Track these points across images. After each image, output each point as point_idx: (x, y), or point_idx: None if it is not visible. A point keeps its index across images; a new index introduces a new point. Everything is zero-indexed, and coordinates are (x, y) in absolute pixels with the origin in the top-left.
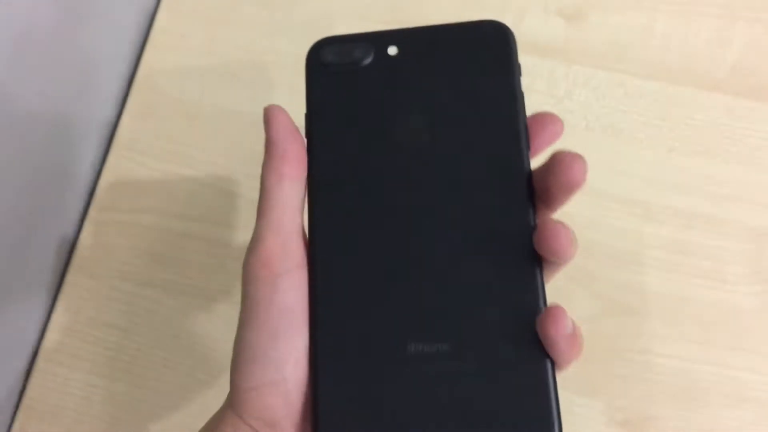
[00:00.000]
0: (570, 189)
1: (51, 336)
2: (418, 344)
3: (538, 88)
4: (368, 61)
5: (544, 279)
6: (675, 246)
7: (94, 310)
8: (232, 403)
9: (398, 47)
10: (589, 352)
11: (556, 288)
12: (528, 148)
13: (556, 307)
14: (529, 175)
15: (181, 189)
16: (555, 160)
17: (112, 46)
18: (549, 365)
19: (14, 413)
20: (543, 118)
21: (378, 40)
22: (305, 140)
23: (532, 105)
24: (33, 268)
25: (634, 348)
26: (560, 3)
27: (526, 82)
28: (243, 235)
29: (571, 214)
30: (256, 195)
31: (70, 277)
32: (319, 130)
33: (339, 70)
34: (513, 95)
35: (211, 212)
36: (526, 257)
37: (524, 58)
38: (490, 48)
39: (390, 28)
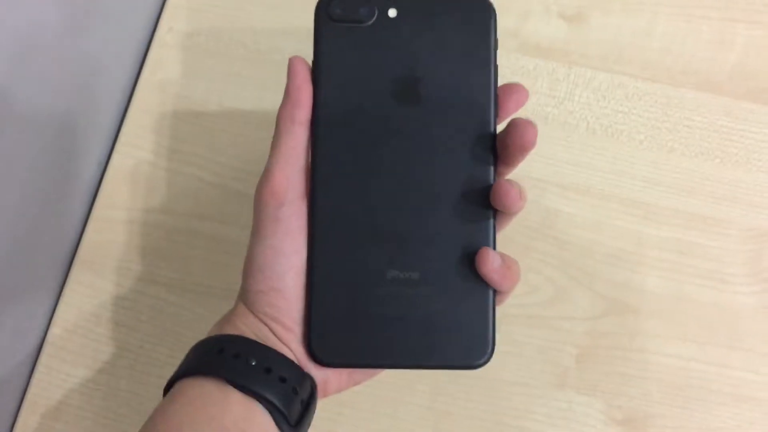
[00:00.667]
0: (523, 150)
1: (54, 332)
2: (393, 271)
3: (539, 89)
4: (369, 20)
5: (498, 225)
6: (675, 246)
7: (98, 307)
8: (244, 301)
9: (397, 10)
10: (589, 350)
11: (560, 287)
12: (496, 113)
13: (484, 249)
14: (494, 137)
15: (186, 187)
16: (512, 125)
17: (118, 45)
18: (490, 292)
19: (18, 409)
20: (510, 87)
21: (380, 1)
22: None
23: (532, 105)
24: (37, 265)
25: (633, 347)
26: (562, 5)
27: (528, 83)
28: (247, 234)
29: (570, 214)
30: None
31: (74, 275)
32: (323, 79)
33: (343, 25)
34: (488, 65)
35: (215, 210)
36: (483, 207)
37: (526, 60)
38: (474, 20)
39: None
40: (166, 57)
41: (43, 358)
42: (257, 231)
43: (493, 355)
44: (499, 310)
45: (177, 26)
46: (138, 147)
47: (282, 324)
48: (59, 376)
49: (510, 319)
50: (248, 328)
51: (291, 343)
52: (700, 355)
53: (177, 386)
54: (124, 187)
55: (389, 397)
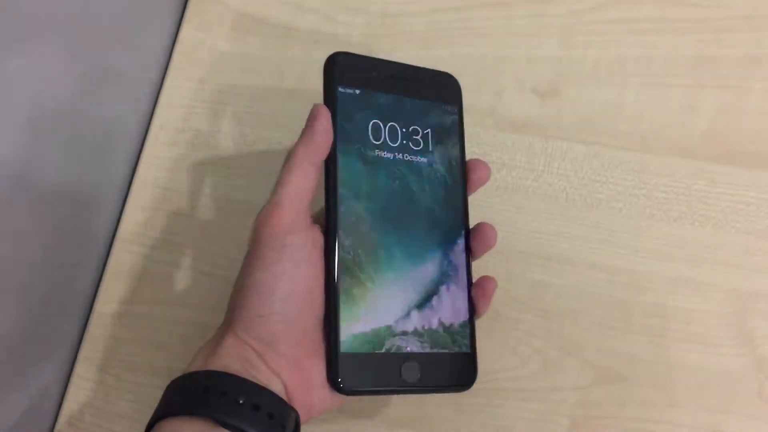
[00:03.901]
0: (488, 248)
1: (60, 428)
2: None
3: (518, 164)
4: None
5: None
6: (660, 312)
7: (102, 400)
8: (234, 328)
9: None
10: (581, 421)
11: (549, 358)
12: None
13: (487, 278)
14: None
15: (182, 279)
16: (476, 229)
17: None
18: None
19: None
20: (474, 164)
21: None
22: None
23: (512, 179)
24: (42, 362)
25: (625, 415)
26: (534, 81)
27: (508, 158)
28: None
29: (556, 285)
30: None
31: (78, 371)
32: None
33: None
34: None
35: (210, 299)
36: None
37: (503, 136)
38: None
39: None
40: (158, 153)
41: None
42: (260, 257)
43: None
44: (491, 384)
45: (168, 123)
46: (134, 242)
47: (276, 350)
48: None
49: (502, 393)
50: (236, 357)
51: (282, 369)
52: (691, 421)
53: (159, 427)
54: (121, 283)
55: None
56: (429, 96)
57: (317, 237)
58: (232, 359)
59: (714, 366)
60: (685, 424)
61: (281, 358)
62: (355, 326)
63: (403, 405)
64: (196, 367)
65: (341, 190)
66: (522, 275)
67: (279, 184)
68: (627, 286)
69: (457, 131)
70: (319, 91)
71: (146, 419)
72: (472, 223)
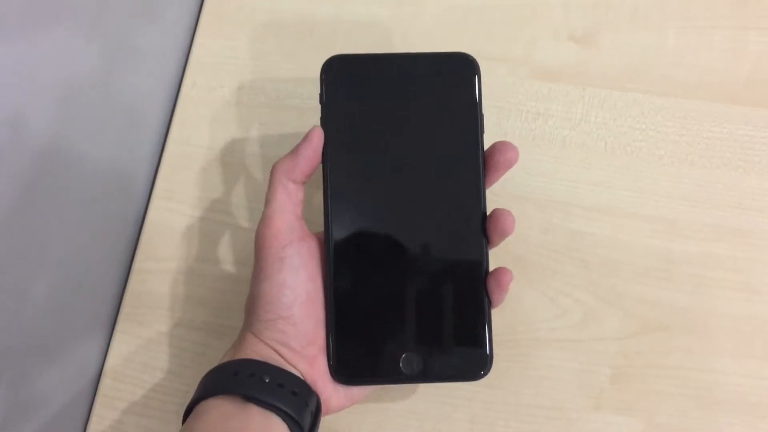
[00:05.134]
0: (504, 236)
1: (106, 383)
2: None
3: (555, 113)
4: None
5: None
6: (703, 260)
7: (145, 355)
8: (252, 330)
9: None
10: (623, 370)
11: (590, 309)
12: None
13: (503, 269)
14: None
15: (218, 234)
16: (492, 216)
17: (150, 98)
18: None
19: None
20: (500, 145)
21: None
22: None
23: (549, 129)
24: (85, 317)
25: (667, 364)
26: (570, 27)
27: (543, 107)
28: None
29: (595, 235)
30: None
31: (120, 326)
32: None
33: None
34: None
35: (245, 254)
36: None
37: (538, 84)
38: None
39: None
40: (191, 112)
41: (96, 407)
42: (262, 269)
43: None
44: (530, 334)
45: (200, 81)
46: (171, 200)
47: (290, 347)
48: (112, 425)
49: (542, 344)
50: (257, 353)
51: (298, 364)
52: (737, 369)
53: (197, 408)
54: (158, 240)
55: (427, 426)
56: (438, 82)
57: (313, 245)
58: (255, 354)
59: (757, 313)
60: (731, 372)
61: (296, 354)
62: (353, 319)
63: None
64: (225, 360)
65: (335, 192)
66: (561, 225)
67: (266, 201)
68: (668, 234)
69: (472, 114)
70: (346, 46)
71: (189, 373)
72: (502, 203)
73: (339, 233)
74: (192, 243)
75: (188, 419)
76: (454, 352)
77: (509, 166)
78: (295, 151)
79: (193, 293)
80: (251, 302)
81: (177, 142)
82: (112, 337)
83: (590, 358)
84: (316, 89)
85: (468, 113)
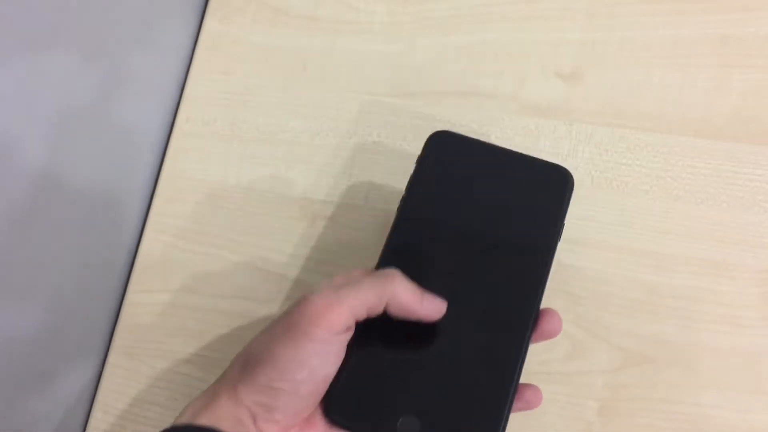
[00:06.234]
0: (550, 337)
1: (96, 415)
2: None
3: (543, 148)
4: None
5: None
6: (688, 293)
7: (136, 389)
8: (235, 386)
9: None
10: (610, 403)
11: (578, 342)
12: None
13: (552, 311)
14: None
15: (210, 267)
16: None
17: (145, 126)
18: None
19: None
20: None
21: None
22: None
23: None
24: (77, 351)
25: (654, 397)
26: (557, 64)
27: (531, 142)
28: (269, 308)
29: (583, 268)
30: (280, 269)
31: (111, 358)
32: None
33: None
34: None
35: (238, 288)
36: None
37: (526, 120)
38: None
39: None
40: (185, 144)
41: None
42: (294, 339)
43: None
44: None
45: (193, 114)
46: (164, 232)
47: (271, 417)
48: None
49: (530, 377)
50: (229, 416)
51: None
52: (722, 402)
53: None
54: (151, 273)
55: None
56: (531, 187)
57: (352, 331)
58: (225, 416)
59: (743, 347)
60: (717, 405)
61: (274, 424)
62: (369, 367)
63: None
64: (185, 419)
65: (392, 251)
66: None
67: (352, 284)
68: (654, 268)
69: (553, 226)
70: (339, 80)
71: (179, 406)
72: None
73: None
74: (184, 275)
75: None
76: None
77: (550, 336)
78: (409, 306)
79: (185, 326)
80: (255, 359)
81: (170, 174)
82: (104, 370)
83: (578, 391)
84: (308, 124)
85: (549, 222)
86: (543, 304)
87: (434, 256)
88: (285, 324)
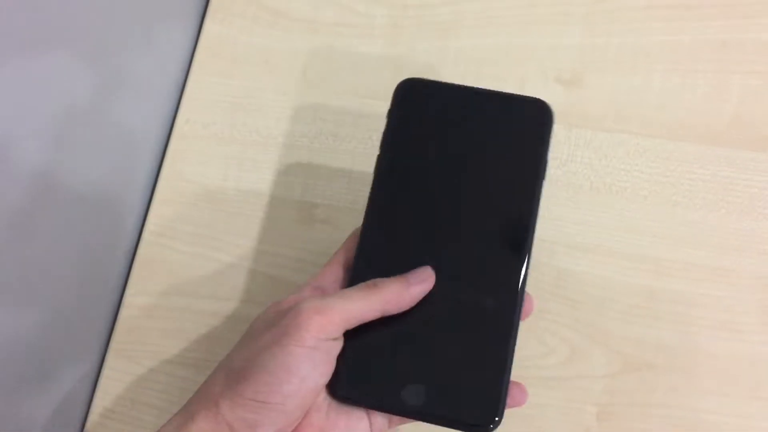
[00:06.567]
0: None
1: (93, 419)
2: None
3: None
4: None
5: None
6: (687, 299)
7: (133, 392)
8: (217, 402)
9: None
10: (609, 408)
11: (576, 346)
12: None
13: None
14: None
15: (208, 270)
16: None
17: (144, 128)
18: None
19: None
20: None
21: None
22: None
23: None
24: (74, 351)
25: (653, 402)
26: (557, 69)
27: None
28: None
29: (581, 273)
30: (278, 272)
31: (109, 361)
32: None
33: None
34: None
35: (236, 291)
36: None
37: None
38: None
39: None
40: (184, 147)
41: None
42: (283, 346)
43: (506, 420)
44: (517, 372)
45: (193, 117)
46: (163, 235)
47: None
48: None
49: (529, 382)
50: None
51: None
52: (721, 407)
53: None
54: (149, 275)
55: None
56: (510, 124)
57: (341, 344)
58: None
59: (741, 353)
60: (713, 410)
61: None
62: (369, 339)
63: None
64: None
65: (375, 208)
66: (547, 264)
67: (343, 295)
68: (653, 273)
69: (536, 162)
70: (338, 83)
71: (175, 409)
72: None
73: (373, 252)
74: (182, 278)
75: None
76: (462, 394)
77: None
78: (400, 298)
79: (183, 328)
80: (235, 372)
81: (170, 176)
82: (101, 373)
83: (576, 396)
84: (307, 127)
85: (532, 160)
86: (536, 298)
87: (418, 212)
88: (273, 334)
